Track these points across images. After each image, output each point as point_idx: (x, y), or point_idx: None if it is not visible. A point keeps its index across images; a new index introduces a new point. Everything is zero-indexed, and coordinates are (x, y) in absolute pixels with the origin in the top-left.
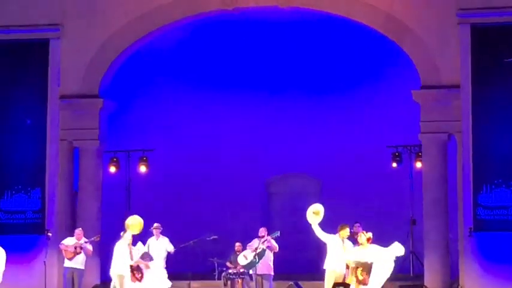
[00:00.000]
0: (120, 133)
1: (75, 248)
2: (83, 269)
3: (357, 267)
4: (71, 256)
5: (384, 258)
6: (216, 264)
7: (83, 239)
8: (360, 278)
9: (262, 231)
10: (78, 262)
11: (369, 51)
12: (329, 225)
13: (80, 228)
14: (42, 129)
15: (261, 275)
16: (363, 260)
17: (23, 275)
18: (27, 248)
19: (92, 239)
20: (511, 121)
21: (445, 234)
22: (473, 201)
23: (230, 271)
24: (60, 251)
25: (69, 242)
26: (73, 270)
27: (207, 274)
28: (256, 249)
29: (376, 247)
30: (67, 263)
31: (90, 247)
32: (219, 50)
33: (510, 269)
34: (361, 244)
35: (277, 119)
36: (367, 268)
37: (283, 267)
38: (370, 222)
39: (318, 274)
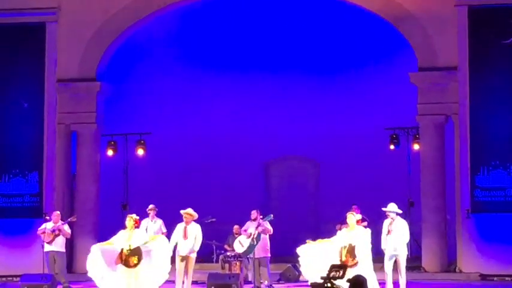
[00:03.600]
0: (117, 116)
1: (53, 230)
2: (63, 252)
3: (343, 247)
4: (49, 239)
5: (365, 240)
6: (214, 247)
7: (60, 222)
8: (343, 258)
9: (254, 213)
10: (58, 245)
11: (366, 33)
12: (327, 206)
13: (58, 212)
14: (40, 112)
15: (258, 259)
16: (347, 242)
17: (21, 258)
18: (25, 231)
19: (69, 220)
20: (508, 103)
21: (443, 216)
22: (471, 182)
23: (228, 254)
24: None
25: (47, 225)
26: (54, 253)
27: (205, 257)
28: (251, 235)
29: (361, 229)
30: (47, 247)
31: (68, 229)
32: (217, 32)
33: (507, 250)
34: (350, 225)
35: (276, 102)
36: (351, 249)
37: (281, 249)
38: (367, 204)
39: None
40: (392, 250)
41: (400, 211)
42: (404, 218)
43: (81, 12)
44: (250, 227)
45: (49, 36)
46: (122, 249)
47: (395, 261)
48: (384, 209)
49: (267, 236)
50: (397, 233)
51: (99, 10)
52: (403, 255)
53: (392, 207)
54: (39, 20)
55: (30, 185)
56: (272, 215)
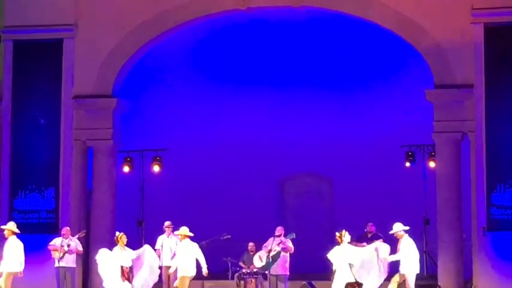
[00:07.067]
0: (133, 133)
1: (62, 246)
2: (74, 267)
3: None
4: (59, 257)
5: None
6: (229, 264)
7: (70, 237)
8: None
9: (279, 230)
10: (69, 261)
11: (383, 50)
12: (342, 223)
13: (67, 228)
14: (56, 128)
15: (276, 276)
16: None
17: (37, 275)
18: (41, 247)
19: (77, 235)
20: None
21: (459, 233)
22: (487, 200)
23: (243, 271)
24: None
25: (57, 241)
26: (65, 269)
27: (220, 274)
28: (270, 251)
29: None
30: (57, 263)
31: (79, 246)
32: (232, 49)
33: None
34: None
35: (291, 119)
36: None
37: (296, 266)
38: (382, 221)
39: (330, 274)
40: (401, 269)
41: (406, 228)
42: (420, 236)
43: (98, 28)
44: (272, 243)
45: (66, 53)
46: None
47: (404, 280)
48: (390, 232)
49: (288, 254)
50: (402, 252)
51: (116, 27)
52: (409, 273)
53: (396, 227)
54: (56, 37)
55: (46, 201)
56: (294, 234)
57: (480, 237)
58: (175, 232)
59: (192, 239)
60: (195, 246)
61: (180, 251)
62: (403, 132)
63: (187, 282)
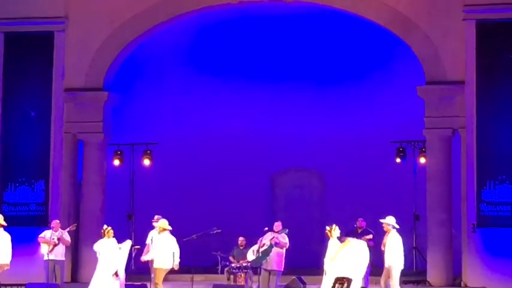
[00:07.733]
0: (124, 126)
1: (52, 239)
2: (63, 260)
3: None
4: (49, 249)
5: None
6: (219, 258)
7: (60, 230)
8: None
9: (278, 225)
10: (58, 254)
11: (374, 46)
12: (333, 218)
13: (57, 220)
14: (47, 121)
15: (269, 271)
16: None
17: (26, 267)
18: (31, 240)
19: (68, 228)
20: None
21: (449, 229)
22: (477, 197)
23: (233, 265)
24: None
25: (46, 234)
26: (54, 262)
27: (210, 268)
28: (263, 245)
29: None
30: (47, 256)
31: (67, 237)
32: (224, 43)
33: None
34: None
35: (282, 113)
36: None
37: (287, 261)
38: (373, 217)
39: (320, 269)
40: (386, 263)
41: (396, 226)
42: (410, 232)
43: (89, 22)
44: (267, 238)
45: (57, 46)
46: None
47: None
48: (381, 220)
49: (284, 250)
50: (389, 247)
51: (106, 20)
52: (395, 267)
53: (389, 220)
54: (47, 29)
55: (36, 194)
56: (287, 229)
57: (470, 233)
58: (155, 224)
59: (182, 232)
60: (173, 239)
61: (158, 243)
62: (394, 128)
63: (162, 275)
